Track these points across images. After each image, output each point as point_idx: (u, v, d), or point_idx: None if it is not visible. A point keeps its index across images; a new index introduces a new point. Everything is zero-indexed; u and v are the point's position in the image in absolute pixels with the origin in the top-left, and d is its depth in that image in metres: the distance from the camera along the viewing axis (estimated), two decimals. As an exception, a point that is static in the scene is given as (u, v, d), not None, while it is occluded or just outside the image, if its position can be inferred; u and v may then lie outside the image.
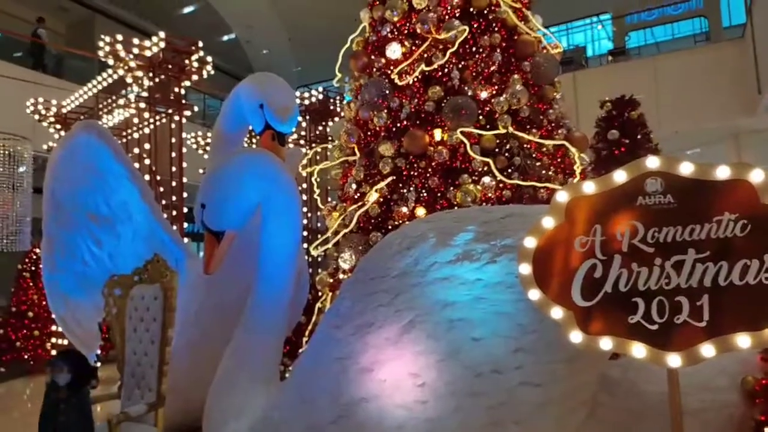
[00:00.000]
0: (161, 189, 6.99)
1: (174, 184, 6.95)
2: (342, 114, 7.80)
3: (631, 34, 19.25)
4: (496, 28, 4.95)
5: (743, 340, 1.94)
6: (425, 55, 4.90)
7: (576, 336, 2.16)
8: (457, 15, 4.96)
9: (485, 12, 4.97)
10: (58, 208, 4.19)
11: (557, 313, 2.21)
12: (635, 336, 2.08)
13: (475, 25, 4.94)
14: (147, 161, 7.05)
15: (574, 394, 2.54)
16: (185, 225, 7.04)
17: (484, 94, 4.78)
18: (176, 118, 7.14)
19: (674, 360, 2.02)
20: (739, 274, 1.97)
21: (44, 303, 7.92)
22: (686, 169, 2.06)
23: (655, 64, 12.52)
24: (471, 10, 4.97)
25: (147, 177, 6.81)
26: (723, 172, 2.02)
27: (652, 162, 2.11)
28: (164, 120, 7.18)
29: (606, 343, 2.13)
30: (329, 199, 7.64)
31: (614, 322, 2.12)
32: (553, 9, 10.53)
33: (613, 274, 2.13)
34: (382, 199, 4.81)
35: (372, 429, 2.61)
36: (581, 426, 2.57)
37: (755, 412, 2.37)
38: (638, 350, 2.07)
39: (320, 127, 9.72)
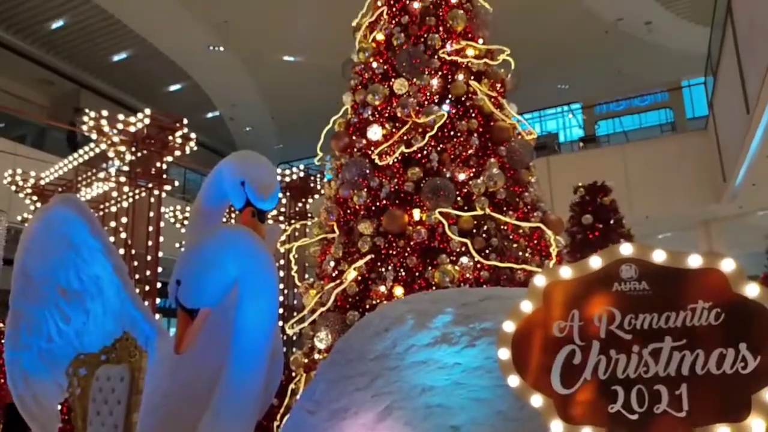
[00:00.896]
0: (135, 263, 6.87)
1: (149, 258, 6.86)
2: (322, 192, 7.89)
3: (601, 123, 20.21)
4: (474, 114, 5.16)
5: (724, 431, 1.92)
6: (405, 138, 5.06)
7: (557, 426, 2.12)
8: (436, 101, 5.17)
9: (463, 99, 5.20)
10: (28, 281, 4.06)
11: (537, 400, 2.16)
12: (616, 425, 2.04)
13: (454, 111, 5.15)
14: (123, 235, 6.97)
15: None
16: (158, 300, 6.89)
17: (461, 176, 4.91)
18: (156, 192, 7.15)
19: (656, 452, 1.98)
20: (716, 363, 1.97)
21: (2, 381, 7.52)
22: (659, 256, 2.10)
23: (624, 151, 13.07)
24: (449, 96, 5.19)
25: (122, 251, 6.71)
26: (695, 261, 2.06)
27: (626, 249, 2.15)
28: (143, 194, 7.19)
29: (587, 433, 2.08)
30: (306, 277, 7.58)
31: (595, 411, 2.08)
32: (527, 97, 11.04)
33: (592, 361, 2.11)
34: (360, 278, 4.79)
35: None
36: None
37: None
38: (620, 441, 2.03)
39: (300, 204, 9.79)
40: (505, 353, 2.25)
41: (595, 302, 2.16)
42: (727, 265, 2.03)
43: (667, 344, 2.04)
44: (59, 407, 4.39)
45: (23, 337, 4.06)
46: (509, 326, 2.27)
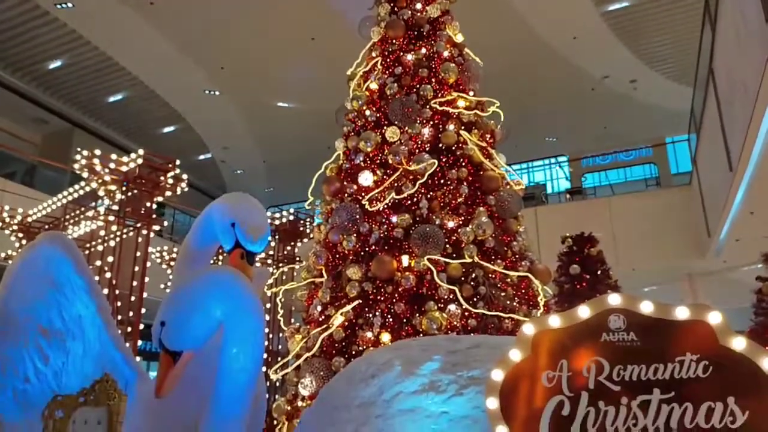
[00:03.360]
0: (119, 303, 6.76)
1: (133, 299, 6.75)
2: (311, 236, 7.89)
3: (587, 175, 20.56)
4: (464, 164, 5.24)
5: (714, 488, 1.89)
6: (396, 185, 5.12)
7: (545, 478, 2.08)
8: (427, 149, 5.26)
9: (453, 148, 5.29)
10: (7, 320, 3.98)
11: (525, 452, 2.13)
12: (605, 479, 2.01)
13: (444, 160, 5.23)
14: (108, 274, 6.88)
15: None
16: (140, 342, 6.75)
17: (451, 224, 4.94)
18: (144, 231, 7.11)
19: (646, 508, 1.94)
20: (704, 417, 1.96)
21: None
22: (647, 307, 2.12)
23: (610, 204, 13.26)
24: (440, 145, 5.28)
25: (106, 291, 6.61)
26: (682, 313, 2.08)
27: (615, 299, 2.16)
28: (131, 233, 7.14)
29: (576, 487, 2.04)
30: (293, 321, 7.47)
31: (584, 464, 2.05)
32: (515, 149, 11.26)
33: (581, 413, 2.09)
34: (347, 323, 4.75)
35: None
36: None
37: None
38: (609, 496, 1.99)
39: (288, 248, 9.76)
40: (493, 402, 2.22)
41: (584, 352, 2.15)
42: (714, 318, 2.05)
43: (656, 396, 2.03)
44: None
45: (-1, 377, 3.94)
46: (498, 375, 2.25)
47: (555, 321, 2.25)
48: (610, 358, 2.11)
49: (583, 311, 2.20)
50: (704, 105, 9.56)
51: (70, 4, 12.70)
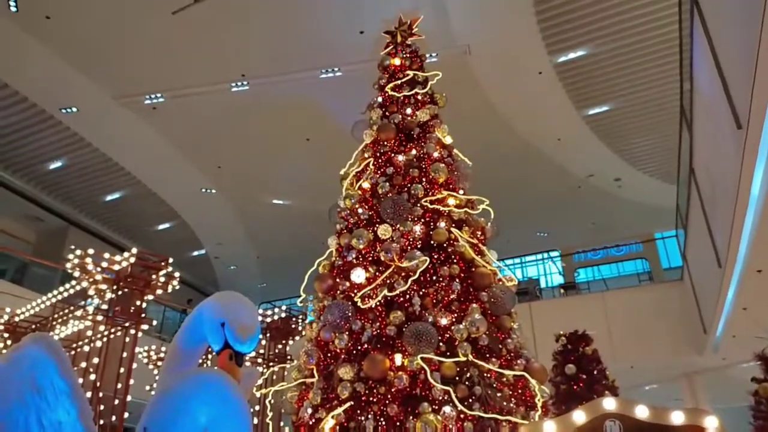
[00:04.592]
0: (102, 407, 6.50)
1: (117, 402, 6.50)
2: (303, 333, 7.76)
3: (580, 271, 20.63)
4: (455, 260, 5.29)
5: None
6: (388, 281, 5.13)
7: None
8: (419, 246, 5.33)
9: (445, 245, 5.36)
10: (-17, 425, 3.82)
11: None
12: None
13: (436, 257, 5.28)
14: (92, 376, 6.67)
15: None
16: (121, 448, 6.42)
17: (444, 321, 4.90)
18: (132, 331, 6.98)
19: None
20: None
21: None
22: (642, 412, 2.08)
23: (604, 299, 13.20)
24: (432, 242, 5.36)
25: (89, 394, 6.38)
26: (678, 418, 2.04)
27: (609, 403, 2.13)
28: (119, 333, 7.01)
29: None
30: (281, 425, 7.18)
31: None
32: (507, 245, 11.38)
33: None
34: (338, 427, 4.58)
35: None
36: None
37: None
38: None
39: (280, 346, 9.55)
40: None
41: (581, 459, 2.08)
42: (710, 423, 2.01)
43: (658, 506, 1.95)
44: None
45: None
46: (493, 485, 2.16)
47: (550, 427, 2.19)
48: (609, 465, 2.04)
49: (579, 416, 2.15)
50: (688, 202, 9.79)
51: (74, 108, 13.21)
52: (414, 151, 5.96)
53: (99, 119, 13.62)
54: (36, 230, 17.77)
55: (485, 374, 4.75)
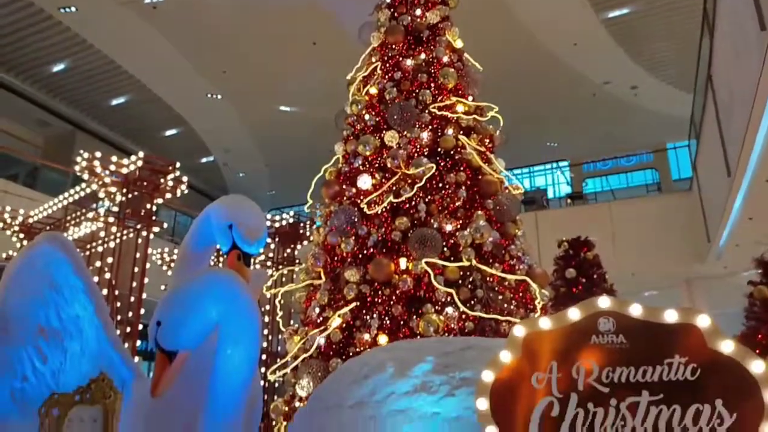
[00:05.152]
0: (118, 304, 6.79)
1: (132, 299, 6.78)
2: (311, 238, 7.92)
3: (588, 181, 20.56)
4: (462, 168, 5.27)
5: (700, 489, 1.91)
6: (394, 188, 5.14)
7: (533, 478, 2.10)
8: (426, 153, 5.29)
9: (452, 152, 5.32)
10: (6, 319, 4.02)
11: (515, 452, 2.15)
12: (593, 479, 2.03)
13: (442, 164, 5.25)
14: (107, 275, 6.91)
15: None
16: (138, 342, 6.77)
17: (449, 227, 4.96)
18: (144, 233, 7.15)
19: (633, 508, 1.96)
20: (692, 419, 1.98)
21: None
22: (636, 310, 2.14)
23: (611, 209, 13.26)
24: (439, 149, 5.31)
25: (105, 291, 6.64)
26: (671, 316, 2.10)
27: (604, 302, 2.19)
28: (131, 234, 7.18)
29: (565, 488, 2.06)
30: (292, 322, 7.50)
31: (572, 464, 2.07)
32: (516, 153, 11.30)
33: (570, 414, 2.11)
34: (344, 325, 4.77)
35: None
36: None
37: None
38: (596, 496, 2.01)
39: (288, 250, 9.79)
40: (483, 403, 2.25)
41: (574, 354, 2.17)
42: (703, 321, 2.07)
43: (645, 398, 2.05)
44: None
45: (-5, 377, 3.97)
46: (488, 376, 2.27)
47: (545, 323, 2.27)
48: (600, 360, 2.13)
49: (573, 313, 2.22)
50: (704, 111, 9.58)
51: (73, 8, 12.77)
52: (423, 56, 5.77)
53: (99, 19, 13.20)
54: (44, 134, 17.77)
55: (488, 278, 4.87)
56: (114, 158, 7.05)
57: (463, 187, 5.17)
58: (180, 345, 3.21)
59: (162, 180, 7.06)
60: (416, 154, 5.26)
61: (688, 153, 14.22)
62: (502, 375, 2.25)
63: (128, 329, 6.53)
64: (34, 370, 4.12)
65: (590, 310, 2.19)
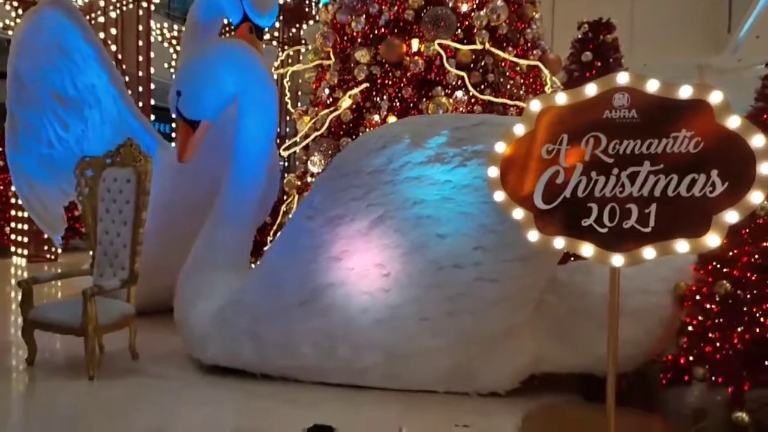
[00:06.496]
0: (127, 79, 6.73)
1: (141, 74, 6.70)
2: (317, 18, 7.57)
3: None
4: (482, -60, 4.84)
5: (682, 245, 2.14)
6: (409, -40, 4.79)
7: (533, 235, 2.34)
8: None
9: None
10: (21, 87, 4.07)
11: (518, 213, 2.37)
12: (586, 237, 2.27)
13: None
14: (113, 47, 6.73)
15: (526, 291, 2.77)
16: (152, 117, 6.86)
17: (464, 7, 4.75)
18: (144, 4, 6.80)
19: (617, 260, 2.23)
20: (686, 187, 2.14)
21: (1, 188, 7.75)
22: (652, 86, 2.18)
23: (634, -8, 12.45)
24: None
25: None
26: (685, 92, 2.15)
27: (622, 77, 2.22)
28: (131, 6, 6.83)
29: (559, 243, 2.32)
30: (299, 104, 7.56)
31: (569, 225, 2.30)
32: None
33: (573, 181, 2.28)
34: (354, 106, 4.83)
35: (338, 311, 2.81)
36: (526, 321, 2.82)
37: (683, 314, 2.64)
38: (587, 250, 2.26)
39: (293, 30, 9.41)
40: (494, 171, 2.41)
41: (584, 127, 2.27)
42: (715, 97, 2.12)
43: (645, 168, 2.20)
44: (63, 212, 4.65)
45: (22, 141, 4.17)
46: (501, 147, 2.40)
47: (561, 98, 2.33)
48: (609, 134, 2.23)
49: (590, 89, 2.26)
50: None
51: None
52: None
53: None
54: None
55: (500, 62, 4.81)
56: None
57: (483, -38, 4.82)
58: (200, 114, 3.32)
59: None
60: None
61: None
62: (514, 146, 2.38)
63: (141, 104, 6.57)
64: (58, 137, 4.31)
65: (607, 85, 2.23)
